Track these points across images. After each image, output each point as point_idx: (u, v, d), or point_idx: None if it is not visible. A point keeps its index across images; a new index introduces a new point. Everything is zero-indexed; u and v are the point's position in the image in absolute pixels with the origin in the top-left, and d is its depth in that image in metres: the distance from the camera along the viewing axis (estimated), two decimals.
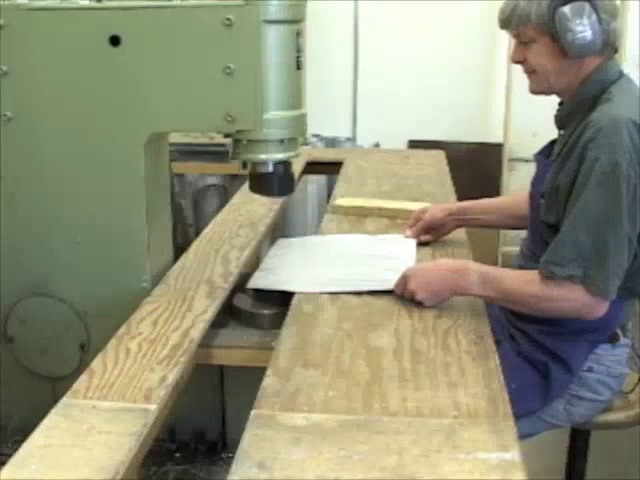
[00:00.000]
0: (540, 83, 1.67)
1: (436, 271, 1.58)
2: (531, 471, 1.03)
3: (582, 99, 1.64)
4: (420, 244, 1.93)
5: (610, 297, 1.52)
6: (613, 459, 2.60)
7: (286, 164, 1.52)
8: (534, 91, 1.70)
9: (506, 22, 1.65)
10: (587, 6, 1.54)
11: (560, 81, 1.65)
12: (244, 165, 1.55)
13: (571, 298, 1.52)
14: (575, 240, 1.50)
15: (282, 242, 2.02)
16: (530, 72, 1.67)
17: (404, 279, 1.57)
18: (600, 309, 1.53)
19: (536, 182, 1.76)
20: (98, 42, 1.44)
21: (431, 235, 1.96)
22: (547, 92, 1.70)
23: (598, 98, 1.61)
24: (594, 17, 1.54)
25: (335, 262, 1.81)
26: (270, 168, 1.50)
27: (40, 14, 1.45)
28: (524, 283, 1.56)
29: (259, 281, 1.71)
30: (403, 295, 1.57)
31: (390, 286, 1.60)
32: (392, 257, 1.82)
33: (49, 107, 1.50)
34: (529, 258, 1.79)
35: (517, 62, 1.68)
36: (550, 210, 1.65)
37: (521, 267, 1.82)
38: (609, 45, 1.62)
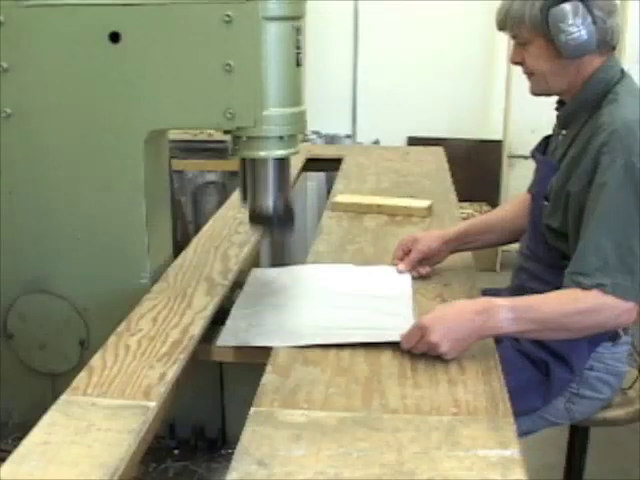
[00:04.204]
0: (539, 85, 1.66)
1: (459, 316, 1.37)
2: (530, 468, 1.03)
3: (585, 99, 1.63)
4: (416, 278, 1.71)
5: None
6: (612, 456, 2.61)
7: (286, 203, 1.50)
8: (534, 92, 1.69)
9: (502, 23, 1.64)
10: (580, 5, 1.52)
11: (558, 82, 1.64)
12: (245, 197, 1.53)
13: (606, 308, 1.44)
14: (599, 247, 1.45)
15: (255, 273, 1.74)
16: (529, 74, 1.66)
17: (420, 330, 1.34)
18: (636, 313, 1.47)
19: (538, 183, 1.74)
20: (98, 39, 1.44)
21: (426, 266, 1.74)
22: (547, 93, 1.69)
23: (603, 98, 1.60)
24: (588, 16, 1.52)
25: (320, 303, 1.57)
26: (270, 207, 1.49)
27: (40, 10, 1.45)
28: (561, 303, 1.44)
29: (229, 337, 1.44)
30: (413, 349, 1.34)
31: (392, 337, 1.37)
32: (387, 297, 1.60)
33: (49, 104, 1.49)
34: (529, 258, 1.78)
35: (516, 63, 1.67)
36: (555, 214, 1.64)
37: (521, 267, 1.82)
38: (606, 43, 1.59)
